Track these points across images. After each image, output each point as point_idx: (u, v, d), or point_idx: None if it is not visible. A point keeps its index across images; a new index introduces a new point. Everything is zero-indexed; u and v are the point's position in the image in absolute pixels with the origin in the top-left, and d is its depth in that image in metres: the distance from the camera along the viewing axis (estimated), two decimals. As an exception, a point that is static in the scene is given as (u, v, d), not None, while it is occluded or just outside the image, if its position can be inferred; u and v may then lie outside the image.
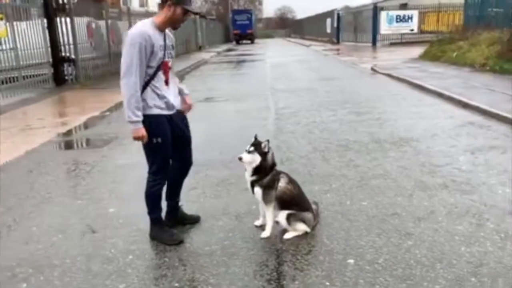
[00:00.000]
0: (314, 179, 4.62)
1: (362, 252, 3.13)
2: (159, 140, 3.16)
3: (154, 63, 3.05)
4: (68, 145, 6.70)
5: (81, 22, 12.97)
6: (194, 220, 3.70)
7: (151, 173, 3.36)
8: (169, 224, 3.55)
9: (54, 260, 3.19)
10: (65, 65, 12.54)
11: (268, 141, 3.34)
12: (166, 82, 3.19)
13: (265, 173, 3.33)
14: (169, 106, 3.21)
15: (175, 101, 3.28)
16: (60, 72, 12.33)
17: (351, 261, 3.03)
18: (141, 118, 3.03)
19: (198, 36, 31.77)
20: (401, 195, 4.11)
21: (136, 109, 2.99)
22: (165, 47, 3.10)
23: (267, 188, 3.33)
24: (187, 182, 4.53)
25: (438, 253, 3.08)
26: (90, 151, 6.18)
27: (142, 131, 3.08)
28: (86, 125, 7.81)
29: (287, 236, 3.38)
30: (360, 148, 5.64)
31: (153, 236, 3.44)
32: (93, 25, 13.78)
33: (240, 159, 3.29)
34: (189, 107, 3.48)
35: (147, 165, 3.41)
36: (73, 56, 12.60)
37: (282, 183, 3.37)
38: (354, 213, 3.76)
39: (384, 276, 2.84)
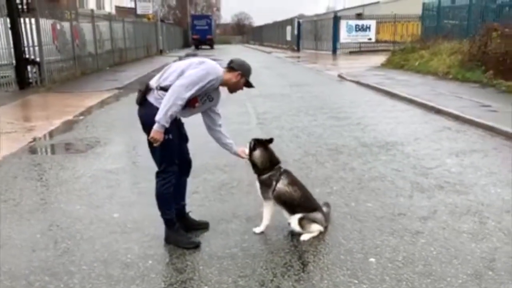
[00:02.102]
0: (313, 182, 4.69)
1: (380, 251, 3.24)
2: (170, 136, 3.20)
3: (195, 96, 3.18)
4: (49, 150, 6.45)
5: (46, 23, 12.49)
6: (203, 226, 3.69)
7: (160, 171, 3.33)
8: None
9: (70, 267, 3.08)
10: (29, 67, 12.01)
11: (254, 140, 3.56)
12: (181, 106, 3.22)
13: (257, 168, 3.50)
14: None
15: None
16: (24, 75, 11.79)
17: (373, 259, 3.13)
18: (168, 126, 3.08)
19: (159, 40, 31.36)
20: (402, 196, 4.28)
21: (170, 118, 3.05)
22: (207, 93, 3.26)
23: (263, 185, 3.48)
24: (188, 187, 4.52)
25: (452, 250, 3.24)
26: (74, 156, 5.97)
27: (162, 136, 3.10)
28: (62, 129, 7.54)
29: (304, 237, 3.44)
30: (350, 151, 5.80)
31: (169, 240, 3.39)
32: (58, 27, 13.30)
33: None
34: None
35: (156, 165, 3.37)
36: (37, 59, 12.09)
37: (280, 184, 3.46)
38: (363, 214, 3.87)
39: (407, 273, 2.96)
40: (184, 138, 3.46)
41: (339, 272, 2.98)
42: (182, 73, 3.10)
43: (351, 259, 3.14)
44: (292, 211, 3.46)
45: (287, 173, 3.55)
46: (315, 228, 3.46)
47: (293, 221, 3.44)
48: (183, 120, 3.45)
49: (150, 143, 3.19)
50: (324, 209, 3.63)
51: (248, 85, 3.41)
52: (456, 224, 3.65)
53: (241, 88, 3.41)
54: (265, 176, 3.48)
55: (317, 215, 3.48)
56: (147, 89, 3.16)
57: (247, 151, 3.56)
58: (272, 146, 5.95)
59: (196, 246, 3.35)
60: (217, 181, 4.77)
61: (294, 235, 3.47)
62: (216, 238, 3.48)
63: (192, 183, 4.67)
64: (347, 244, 3.36)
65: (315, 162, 5.41)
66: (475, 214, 3.83)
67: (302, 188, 3.56)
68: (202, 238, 3.47)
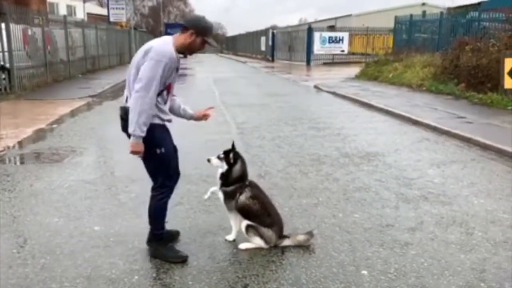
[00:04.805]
0: (299, 193, 4.66)
1: (372, 263, 3.21)
2: (163, 150, 3.11)
3: (166, 83, 3.03)
4: (22, 159, 6.17)
5: (16, 28, 12.09)
6: (175, 236, 3.55)
7: (157, 187, 3.22)
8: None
9: (51, 284, 2.92)
10: (-2, 73, 11.60)
11: (235, 152, 3.39)
12: (165, 102, 3.16)
13: (229, 181, 3.41)
14: (168, 119, 3.20)
15: (171, 117, 3.27)
16: (-8, 81, 11.38)
17: (365, 272, 3.09)
18: (144, 134, 2.94)
19: (132, 48, 30.88)
20: (388, 206, 4.28)
21: (143, 125, 2.91)
22: (176, 69, 3.08)
23: (228, 197, 3.43)
24: (171, 198, 4.40)
25: (442, 261, 3.24)
26: (49, 166, 5.73)
27: (142, 146, 2.99)
28: (34, 138, 7.26)
29: (242, 246, 3.42)
30: (333, 162, 5.79)
31: (156, 255, 3.27)
32: (29, 32, 12.90)
33: (209, 161, 3.42)
34: (204, 115, 3.44)
35: (151, 180, 3.28)
36: (7, 65, 11.68)
37: (242, 197, 3.40)
38: (351, 226, 3.84)
39: (400, 285, 2.93)
40: (175, 149, 3.33)
41: (332, 285, 2.93)
42: (137, 73, 2.90)
43: (344, 272, 3.09)
44: (246, 218, 3.40)
45: (251, 186, 3.47)
46: (257, 242, 3.40)
47: (243, 225, 3.41)
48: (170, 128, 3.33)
49: (144, 159, 3.08)
50: (302, 236, 3.45)
51: (208, 43, 3.04)
52: (443, 235, 3.66)
53: (199, 49, 3.07)
54: (231, 188, 3.41)
55: (267, 232, 3.38)
56: (127, 112, 2.94)
57: (216, 161, 3.44)
58: (254, 156, 5.92)
59: (184, 260, 3.23)
60: (201, 192, 4.59)
61: (284, 249, 3.40)
62: (204, 252, 3.38)
63: (175, 194, 4.51)
64: (338, 256, 3.31)
65: (299, 172, 5.37)
66: (461, 224, 3.86)
67: (265, 203, 3.46)
68: (189, 252, 3.35)
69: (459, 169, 5.50)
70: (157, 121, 3.08)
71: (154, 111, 3.01)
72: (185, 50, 3.07)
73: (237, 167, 3.40)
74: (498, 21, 13.68)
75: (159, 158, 3.10)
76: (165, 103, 3.14)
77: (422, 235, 3.65)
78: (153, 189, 3.23)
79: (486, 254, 3.34)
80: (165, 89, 3.06)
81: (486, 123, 7.95)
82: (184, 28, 3.00)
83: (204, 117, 3.46)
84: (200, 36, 2.99)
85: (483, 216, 4.03)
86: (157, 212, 3.22)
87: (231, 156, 3.39)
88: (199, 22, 3.00)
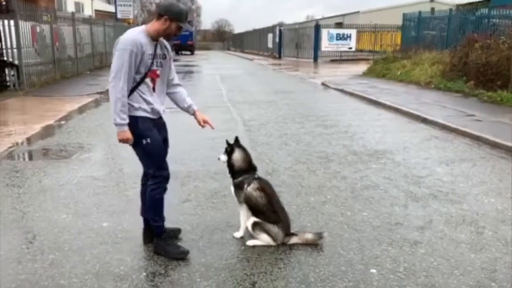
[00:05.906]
0: (307, 190, 4.64)
1: (381, 262, 3.18)
2: (148, 140, 3.12)
3: (142, 70, 3.04)
4: (31, 156, 6.21)
5: (25, 25, 12.15)
6: (177, 233, 3.55)
7: (150, 177, 3.24)
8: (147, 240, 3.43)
9: (59, 280, 2.93)
10: (7, 70, 11.66)
11: (230, 144, 3.51)
12: (153, 89, 3.17)
13: (234, 171, 3.47)
14: (154, 111, 3.18)
15: (161, 108, 3.23)
16: (2, 78, 11.44)
17: (374, 271, 3.07)
18: (126, 121, 3.00)
19: (139, 45, 30.96)
20: (396, 205, 4.25)
21: (121, 112, 2.97)
22: (154, 56, 3.07)
23: (236, 188, 3.47)
24: (178, 195, 4.42)
25: (452, 260, 3.21)
26: (57, 162, 5.75)
27: (128, 134, 3.04)
28: (43, 135, 7.29)
29: (249, 243, 3.42)
30: (341, 160, 5.76)
31: (158, 250, 3.28)
32: (38, 29, 12.96)
33: (219, 159, 3.56)
34: (203, 120, 3.39)
35: (145, 171, 3.31)
36: (16, 61, 11.74)
37: (249, 188, 3.40)
38: (359, 224, 3.82)
39: (410, 284, 2.91)
40: (165, 143, 3.32)
41: (340, 284, 2.91)
42: None
43: (352, 270, 3.07)
44: (255, 216, 3.41)
45: (260, 179, 3.49)
46: (265, 239, 3.39)
47: (249, 222, 3.42)
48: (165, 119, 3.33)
49: (133, 148, 3.16)
50: (311, 235, 3.44)
51: (182, 28, 3.04)
52: (453, 234, 3.63)
53: (175, 34, 3.08)
54: (239, 179, 3.45)
55: (274, 229, 3.37)
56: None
57: (223, 157, 3.52)
58: (261, 154, 5.91)
59: (185, 255, 3.21)
60: (209, 189, 4.66)
61: (292, 247, 3.39)
62: (211, 248, 3.37)
63: (182, 191, 4.60)
64: (346, 254, 3.29)
65: (307, 170, 5.35)
66: (471, 223, 3.82)
67: (271, 197, 3.45)
68: (197, 249, 3.35)
69: (469, 167, 5.45)
70: (140, 113, 3.09)
71: (138, 103, 3.05)
72: (161, 36, 3.10)
73: (235, 155, 3.47)
74: (509, 18, 13.53)
75: (145, 148, 3.13)
76: (152, 93, 3.14)
77: (431, 234, 3.62)
78: (148, 180, 3.23)
79: (497, 253, 3.31)
80: (146, 77, 3.06)
81: (496, 121, 7.87)
82: (158, 14, 3.01)
83: (203, 122, 3.40)
84: (175, 21, 3.00)
85: (494, 215, 3.99)
86: (153, 203, 3.23)
87: (227, 145, 3.51)
88: (172, 8, 2.98)
